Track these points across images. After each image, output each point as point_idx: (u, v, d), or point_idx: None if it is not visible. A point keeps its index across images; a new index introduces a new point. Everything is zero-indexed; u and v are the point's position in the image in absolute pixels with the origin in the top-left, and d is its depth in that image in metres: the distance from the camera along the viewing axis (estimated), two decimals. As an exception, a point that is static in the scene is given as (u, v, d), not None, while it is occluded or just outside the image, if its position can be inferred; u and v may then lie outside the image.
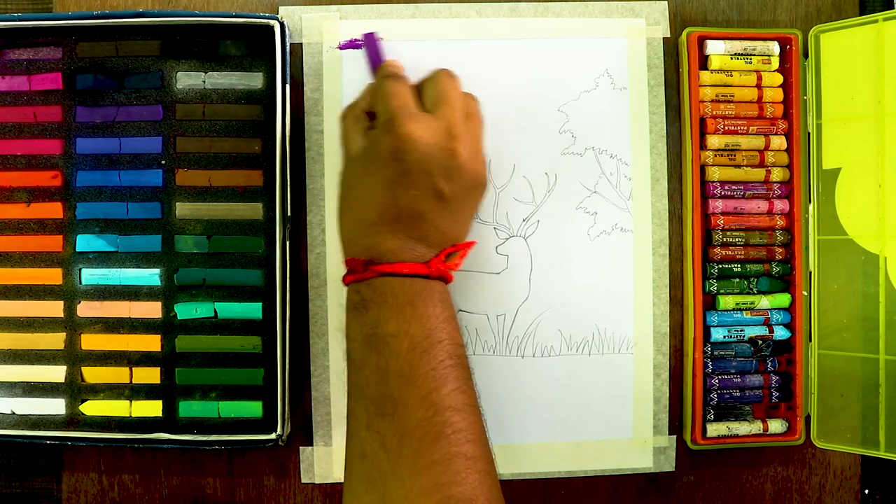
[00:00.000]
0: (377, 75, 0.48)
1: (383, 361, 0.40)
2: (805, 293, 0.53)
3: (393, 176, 0.42)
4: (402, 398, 0.39)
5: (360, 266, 0.43)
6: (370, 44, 0.50)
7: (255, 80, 0.52)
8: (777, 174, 0.53)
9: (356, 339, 0.43)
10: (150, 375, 0.52)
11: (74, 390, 0.52)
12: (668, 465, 0.54)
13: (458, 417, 0.39)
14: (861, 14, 0.55)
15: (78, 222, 0.52)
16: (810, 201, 0.53)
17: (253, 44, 0.52)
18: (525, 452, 0.54)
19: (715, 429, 0.53)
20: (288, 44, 0.51)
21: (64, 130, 0.52)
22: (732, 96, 0.53)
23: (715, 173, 0.53)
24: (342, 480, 0.53)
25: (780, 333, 0.53)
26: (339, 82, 0.53)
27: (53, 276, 0.52)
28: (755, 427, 0.53)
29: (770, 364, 0.54)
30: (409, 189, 0.42)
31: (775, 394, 0.53)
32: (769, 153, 0.53)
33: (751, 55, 0.53)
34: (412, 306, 0.42)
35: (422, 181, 0.42)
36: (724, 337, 0.53)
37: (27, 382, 0.52)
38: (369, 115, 0.46)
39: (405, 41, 0.53)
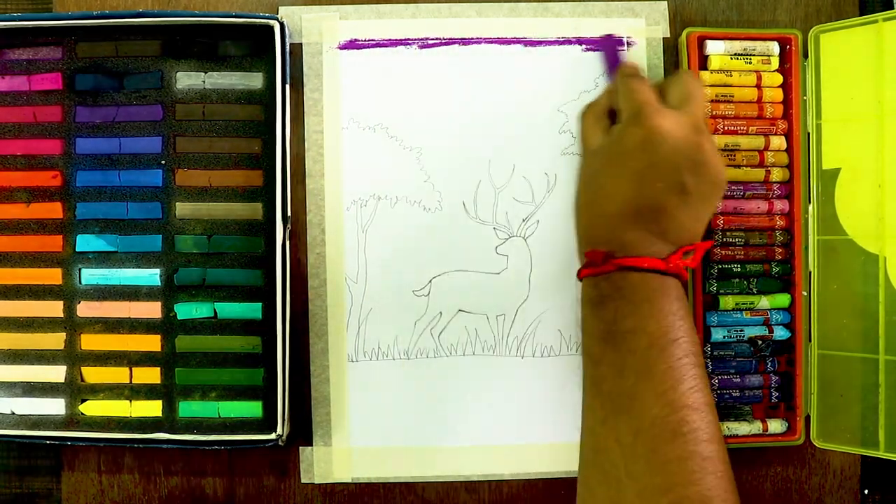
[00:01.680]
0: (617, 75, 0.47)
1: (620, 358, 0.41)
2: (805, 293, 0.53)
3: (639, 167, 0.42)
4: (638, 395, 0.40)
5: (600, 258, 0.43)
6: (608, 46, 0.50)
7: (255, 80, 0.52)
8: (777, 174, 0.53)
9: (594, 334, 0.43)
10: (150, 375, 0.52)
11: (74, 390, 0.52)
12: (668, 465, 0.54)
13: (695, 416, 0.39)
14: (861, 14, 0.55)
15: (78, 222, 0.52)
16: (810, 201, 0.53)
17: (253, 44, 0.52)
18: (525, 452, 0.54)
19: (715, 429, 0.53)
20: (288, 44, 0.51)
21: (64, 130, 0.52)
22: (732, 96, 0.53)
23: (715, 173, 0.53)
24: (342, 480, 0.53)
25: (780, 333, 0.53)
26: (339, 82, 0.53)
27: (53, 276, 0.52)
28: (755, 427, 0.53)
29: (770, 364, 0.54)
30: (655, 181, 0.42)
31: (775, 394, 0.53)
32: (769, 153, 0.53)
33: (750, 55, 0.53)
34: (650, 303, 0.41)
35: (668, 174, 0.42)
36: (724, 337, 0.53)
37: (27, 382, 0.52)
38: (609, 115, 0.47)
39: (405, 41, 0.53)
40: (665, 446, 0.38)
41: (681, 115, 0.43)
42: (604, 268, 0.43)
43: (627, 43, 0.54)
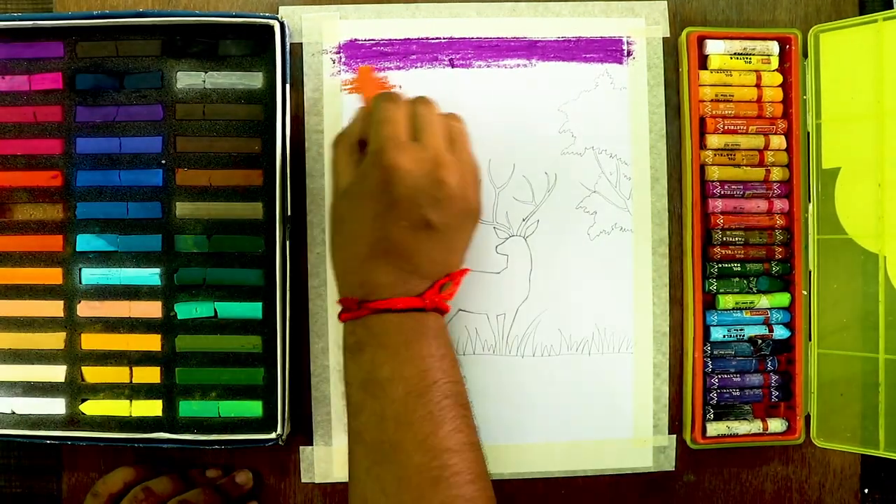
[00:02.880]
0: (375, 98, 0.46)
1: (379, 406, 0.41)
2: (805, 292, 0.53)
3: (381, 208, 0.42)
4: (399, 443, 0.40)
5: (354, 304, 0.43)
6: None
7: (255, 80, 0.52)
8: (777, 174, 0.53)
9: (353, 383, 0.42)
10: (150, 375, 0.52)
11: (74, 390, 0.52)
12: (668, 465, 0.54)
13: (457, 459, 0.39)
14: (860, 14, 0.55)
15: (78, 222, 0.52)
16: (810, 201, 0.53)
17: (253, 44, 0.52)
18: (525, 452, 0.54)
19: (715, 428, 0.53)
20: (288, 44, 0.51)
21: (64, 130, 0.52)
22: (732, 96, 0.53)
23: (715, 173, 0.53)
24: (342, 480, 0.53)
25: (780, 333, 0.53)
26: (339, 82, 0.53)
27: (53, 275, 0.52)
28: (755, 426, 0.53)
29: (770, 363, 0.54)
30: (399, 220, 0.42)
31: (775, 393, 0.53)
32: (769, 153, 0.53)
33: (750, 55, 0.53)
34: (406, 346, 0.41)
35: (410, 212, 0.42)
36: (724, 336, 0.53)
37: (27, 382, 0.52)
38: (361, 144, 0.45)
39: (405, 41, 0.53)
40: (428, 492, 0.38)
41: (421, 149, 0.42)
42: (359, 313, 0.42)
43: (628, 43, 0.54)
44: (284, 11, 0.53)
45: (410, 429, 0.40)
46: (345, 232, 0.44)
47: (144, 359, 0.52)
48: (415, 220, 0.42)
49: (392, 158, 0.41)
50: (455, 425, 0.40)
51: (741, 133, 0.53)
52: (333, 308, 0.53)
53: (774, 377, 0.53)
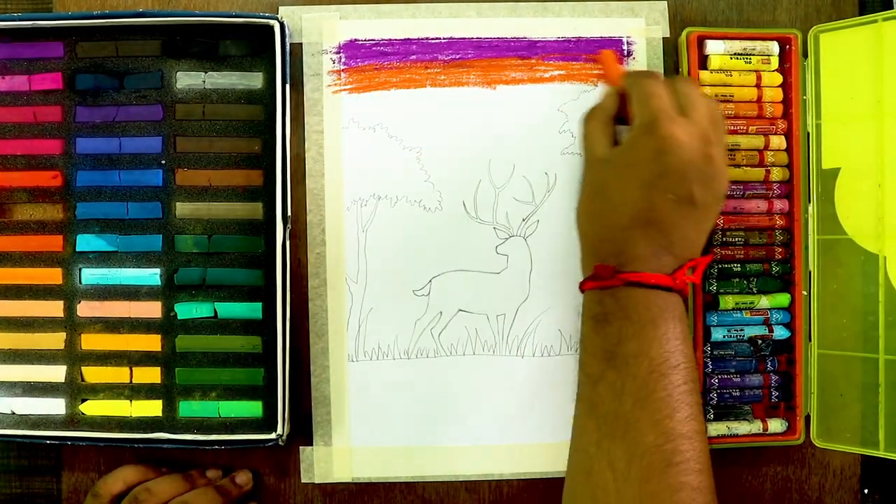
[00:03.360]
0: (629, 74, 0.47)
1: (621, 381, 0.41)
2: (805, 293, 0.53)
3: (651, 178, 0.42)
4: (635, 421, 0.40)
5: (609, 273, 0.43)
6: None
7: (255, 80, 0.52)
8: (776, 174, 0.53)
9: (595, 353, 0.43)
10: (150, 375, 0.52)
11: (74, 390, 0.52)
12: (668, 465, 0.54)
13: (688, 446, 0.39)
14: (860, 14, 0.55)
15: (78, 222, 0.52)
16: (810, 201, 0.53)
17: (253, 44, 0.52)
18: (525, 452, 0.54)
19: (715, 428, 0.53)
20: (288, 44, 0.51)
21: (64, 130, 0.52)
22: (732, 96, 0.53)
23: (715, 173, 0.53)
24: (342, 480, 0.53)
25: (780, 333, 0.53)
26: (340, 82, 0.53)
27: (53, 275, 0.52)
28: (755, 427, 0.53)
29: (770, 364, 0.54)
30: (667, 192, 0.42)
31: (775, 393, 0.53)
32: (769, 153, 0.53)
33: (750, 55, 0.53)
34: (654, 325, 0.41)
35: (680, 185, 0.42)
36: (724, 336, 0.53)
37: (27, 382, 0.52)
38: (616, 120, 0.47)
39: (405, 41, 0.53)
40: (657, 476, 0.38)
41: (691, 124, 0.43)
42: (611, 282, 0.43)
43: (627, 43, 0.54)
44: (284, 11, 0.53)
45: (649, 408, 0.40)
46: (604, 200, 0.44)
47: (144, 359, 0.52)
48: (681, 193, 0.42)
49: (668, 129, 0.42)
50: (691, 412, 0.40)
51: (741, 133, 0.53)
52: (333, 308, 0.53)
53: (774, 377, 0.53)
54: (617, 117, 0.48)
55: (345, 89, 0.53)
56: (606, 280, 0.43)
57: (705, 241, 0.45)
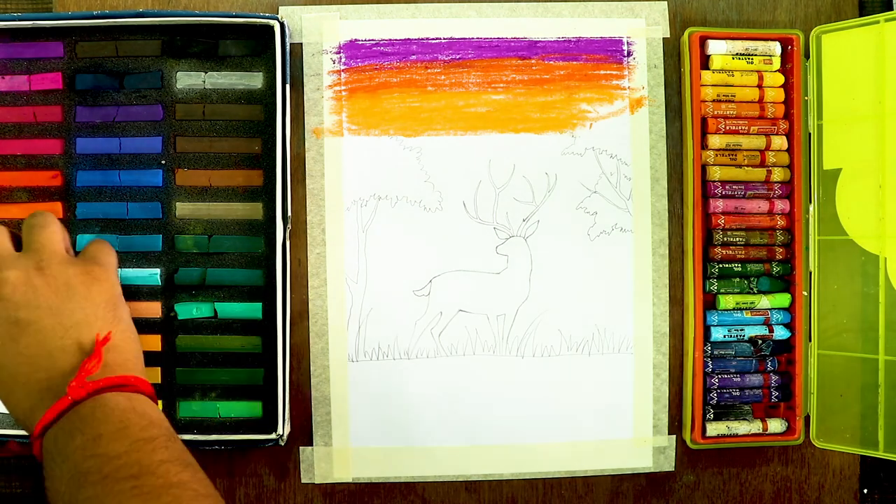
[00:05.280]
0: None
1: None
2: (805, 293, 0.53)
3: None
4: None
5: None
6: None
7: (255, 80, 0.52)
8: (778, 174, 0.53)
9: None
10: (149, 375, 0.52)
11: (75, 390, 0.52)
12: (668, 465, 0.54)
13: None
14: (860, 15, 0.55)
15: (78, 222, 0.52)
16: (811, 201, 0.53)
17: (253, 44, 0.52)
18: (525, 452, 0.54)
19: (714, 428, 0.53)
20: (288, 44, 0.51)
21: (64, 130, 0.52)
22: (734, 96, 0.53)
23: (716, 173, 0.53)
24: (342, 480, 0.53)
25: (780, 333, 0.53)
26: (340, 81, 0.53)
27: (54, 275, 0.52)
28: (755, 427, 0.53)
29: (770, 364, 0.54)
30: None
31: (775, 393, 0.53)
32: (770, 153, 0.53)
33: (752, 55, 0.53)
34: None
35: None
36: (724, 336, 0.53)
37: (28, 382, 0.52)
38: None
39: (405, 41, 0.53)
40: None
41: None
42: (34, 446, 0.40)
43: (627, 43, 0.54)
44: (284, 11, 0.53)
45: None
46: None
47: (144, 359, 0.52)
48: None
49: None
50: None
51: (742, 133, 0.53)
52: (333, 308, 0.53)
53: (774, 377, 0.53)
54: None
55: (345, 89, 0.53)
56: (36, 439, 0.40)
57: (80, 338, 0.43)
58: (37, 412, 0.40)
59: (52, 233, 0.45)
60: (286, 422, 0.51)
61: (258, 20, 0.50)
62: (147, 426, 0.40)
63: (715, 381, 0.53)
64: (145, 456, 0.38)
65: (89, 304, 0.43)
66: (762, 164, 0.53)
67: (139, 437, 0.39)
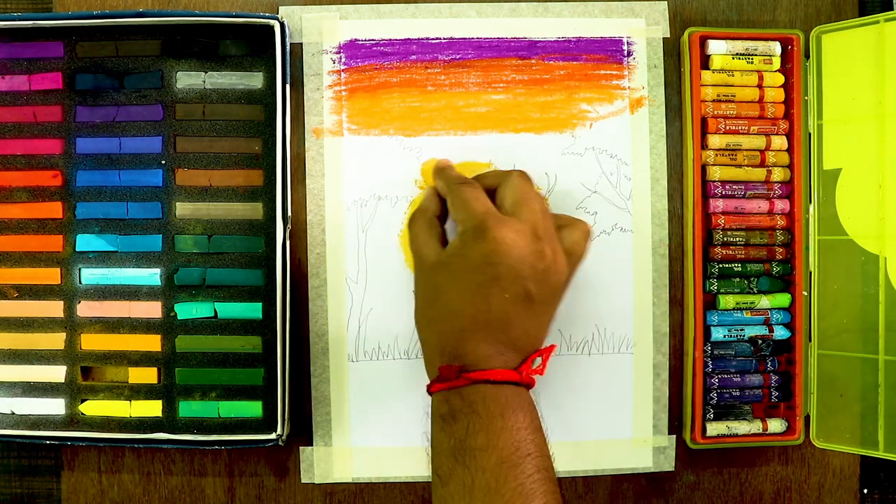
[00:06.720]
0: (438, 178, 0.49)
1: (469, 477, 0.40)
2: (805, 293, 0.53)
3: (485, 281, 0.42)
4: None
5: (454, 373, 0.42)
6: None
7: (255, 80, 0.52)
8: (778, 174, 0.53)
9: (443, 452, 0.42)
10: (149, 375, 0.52)
11: (74, 390, 0.52)
12: (668, 465, 0.54)
13: None
14: (860, 15, 0.55)
15: (78, 222, 0.52)
16: (811, 201, 0.53)
17: (253, 44, 0.52)
18: (525, 452, 0.54)
19: (714, 428, 0.53)
20: (288, 44, 0.51)
21: (64, 130, 0.52)
22: (734, 96, 0.53)
23: (716, 173, 0.53)
24: (342, 480, 0.53)
25: (780, 333, 0.53)
26: (340, 81, 0.53)
27: (53, 275, 0.52)
28: (755, 426, 0.53)
29: (770, 364, 0.54)
30: (503, 293, 0.42)
31: (775, 393, 0.53)
32: (770, 153, 0.53)
33: (752, 55, 0.53)
34: (502, 418, 0.41)
35: (515, 284, 0.42)
36: (724, 336, 0.53)
37: (27, 382, 0.52)
38: (439, 218, 0.48)
39: (405, 41, 0.53)
40: None
41: (520, 223, 0.43)
42: (457, 382, 0.42)
43: (628, 43, 0.54)
44: (284, 11, 0.53)
45: (500, 500, 0.39)
46: (442, 305, 0.44)
47: (144, 359, 0.52)
48: (517, 291, 0.43)
49: (496, 231, 0.42)
50: (545, 500, 0.40)
51: (742, 133, 0.53)
52: (333, 308, 0.53)
53: (774, 377, 0.53)
54: (443, 215, 0.48)
55: (345, 89, 0.53)
56: (453, 381, 0.42)
57: (547, 332, 0.46)
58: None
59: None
60: (286, 422, 0.51)
61: (258, 20, 0.50)
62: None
63: (715, 380, 0.53)
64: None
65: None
66: (762, 164, 0.53)
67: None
